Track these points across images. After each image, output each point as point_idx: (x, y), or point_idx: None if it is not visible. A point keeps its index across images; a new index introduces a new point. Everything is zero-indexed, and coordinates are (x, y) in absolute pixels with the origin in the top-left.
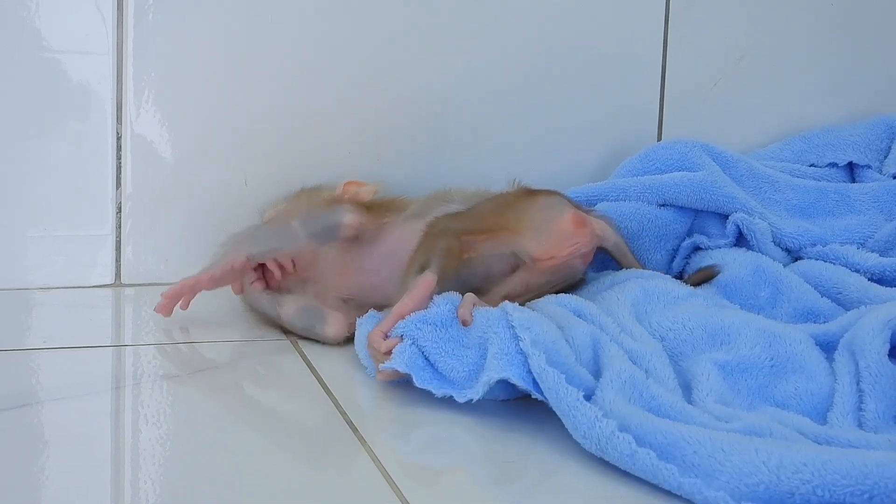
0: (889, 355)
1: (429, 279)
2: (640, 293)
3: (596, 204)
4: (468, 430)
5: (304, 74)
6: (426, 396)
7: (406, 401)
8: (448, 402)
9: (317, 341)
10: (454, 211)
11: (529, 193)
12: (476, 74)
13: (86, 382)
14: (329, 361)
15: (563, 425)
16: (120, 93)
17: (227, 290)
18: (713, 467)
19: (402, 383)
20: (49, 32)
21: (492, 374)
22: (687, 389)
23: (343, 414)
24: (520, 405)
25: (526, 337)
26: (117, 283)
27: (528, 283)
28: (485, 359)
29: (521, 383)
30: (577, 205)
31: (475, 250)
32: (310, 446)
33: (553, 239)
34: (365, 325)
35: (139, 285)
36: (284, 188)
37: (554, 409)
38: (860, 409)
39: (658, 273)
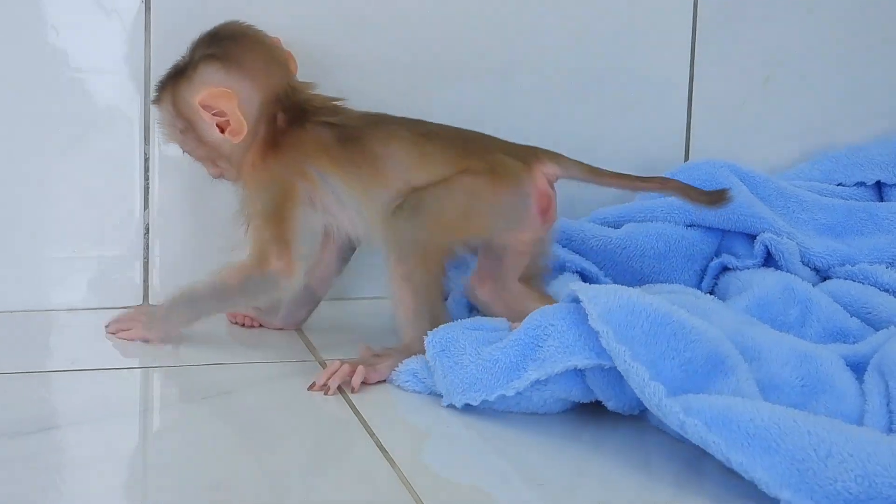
0: None
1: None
2: None
3: (622, 225)
4: (496, 446)
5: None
6: (454, 409)
7: (436, 416)
8: (476, 418)
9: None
10: (406, 208)
11: (494, 181)
12: (505, 93)
13: (114, 405)
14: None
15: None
16: (148, 114)
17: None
18: (768, 443)
19: (429, 399)
20: (77, 52)
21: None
22: None
23: (372, 435)
24: (553, 421)
25: (594, 312)
26: (145, 304)
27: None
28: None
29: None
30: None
31: (451, 256)
32: (338, 470)
33: (524, 230)
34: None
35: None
36: None
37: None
38: (891, 431)
39: (687, 287)
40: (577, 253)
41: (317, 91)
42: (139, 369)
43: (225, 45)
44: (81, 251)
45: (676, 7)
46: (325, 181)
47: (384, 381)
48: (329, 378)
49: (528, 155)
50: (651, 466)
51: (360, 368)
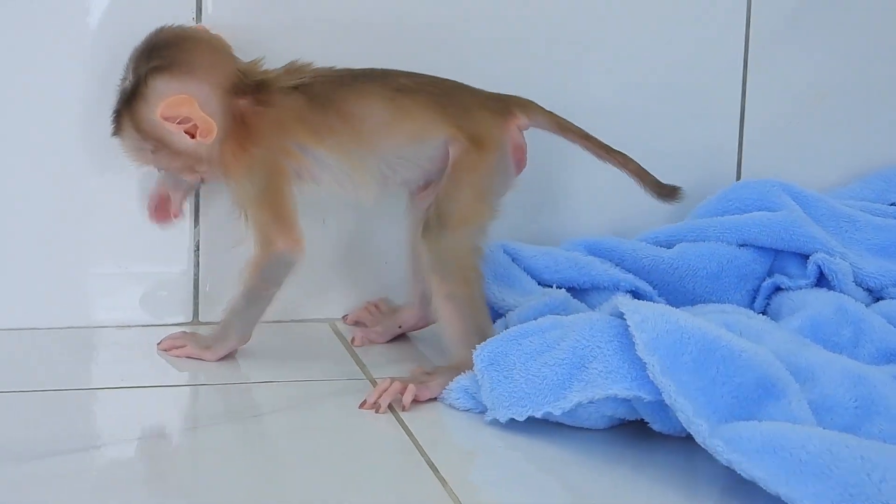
0: None
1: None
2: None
3: (674, 245)
4: (544, 465)
5: None
6: (503, 426)
7: (487, 433)
8: (524, 435)
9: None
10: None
11: (484, 156)
12: (555, 110)
13: (160, 423)
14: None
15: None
16: None
17: (311, 326)
18: (820, 469)
19: (480, 416)
20: None
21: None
22: None
23: (423, 454)
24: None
25: (641, 340)
26: (195, 321)
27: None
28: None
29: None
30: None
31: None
32: (388, 488)
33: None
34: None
35: (217, 323)
36: (360, 228)
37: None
38: None
39: (739, 308)
40: (631, 273)
41: (264, 66)
42: (187, 387)
43: (165, 53)
44: (131, 268)
45: (729, 25)
46: (306, 153)
47: (435, 399)
48: (380, 396)
49: (502, 108)
50: (697, 489)
51: (411, 387)
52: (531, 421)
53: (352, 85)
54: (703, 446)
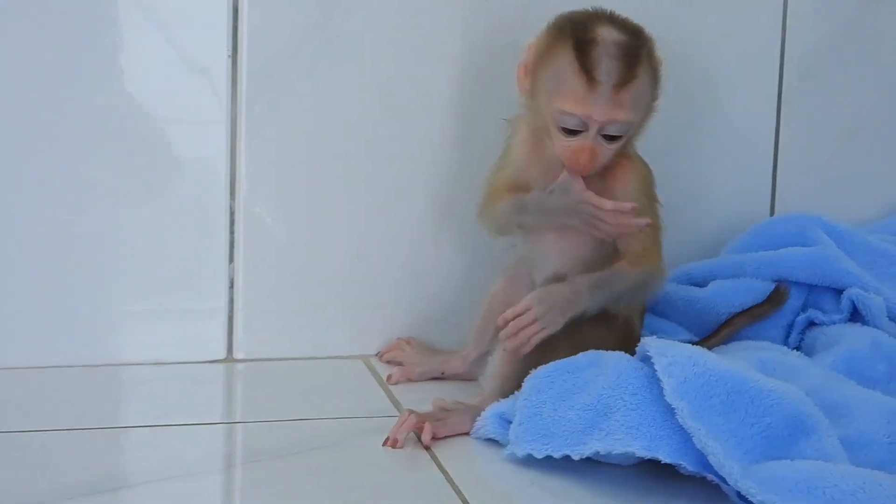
0: None
1: None
2: (756, 364)
3: (708, 282)
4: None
5: (417, 149)
6: (535, 465)
7: (519, 471)
8: (555, 474)
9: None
10: None
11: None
12: None
13: (195, 461)
14: (446, 440)
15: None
16: (234, 167)
17: (346, 363)
18: None
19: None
20: (163, 104)
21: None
22: None
23: (459, 493)
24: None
25: (669, 386)
26: (229, 358)
27: None
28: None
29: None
30: None
31: None
32: None
33: None
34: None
35: (251, 360)
36: (396, 263)
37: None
38: None
39: (773, 344)
40: (664, 317)
41: None
42: (221, 424)
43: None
44: (166, 304)
45: (763, 59)
46: None
47: (466, 433)
48: (397, 432)
49: None
50: None
51: (428, 425)
52: (565, 457)
53: None
54: (735, 488)
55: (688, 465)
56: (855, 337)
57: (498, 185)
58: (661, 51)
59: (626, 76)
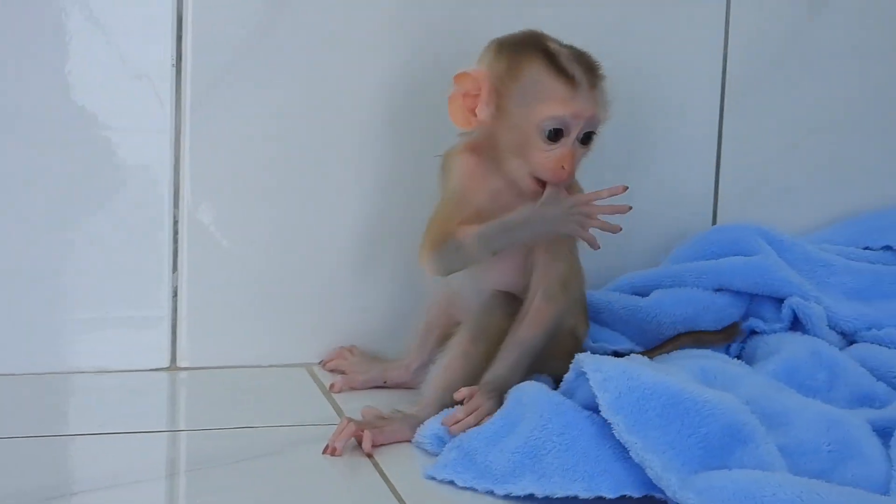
0: None
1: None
2: (697, 372)
3: (650, 291)
4: None
5: (359, 155)
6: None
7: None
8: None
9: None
10: None
11: None
12: None
13: (138, 469)
14: (387, 447)
15: None
16: (177, 176)
17: (288, 371)
18: None
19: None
20: (106, 113)
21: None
22: None
23: (401, 501)
24: None
25: (605, 401)
26: (173, 366)
27: None
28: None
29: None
30: None
31: None
32: None
33: None
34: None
35: (195, 369)
36: (339, 273)
37: None
38: None
39: (715, 352)
40: (606, 326)
41: None
42: (165, 433)
43: None
44: (109, 312)
45: (705, 71)
46: None
47: (406, 441)
48: (336, 439)
49: None
50: None
51: (367, 433)
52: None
53: None
54: (674, 500)
55: (633, 494)
56: (795, 346)
57: (448, 220)
58: (606, 63)
59: (596, 76)
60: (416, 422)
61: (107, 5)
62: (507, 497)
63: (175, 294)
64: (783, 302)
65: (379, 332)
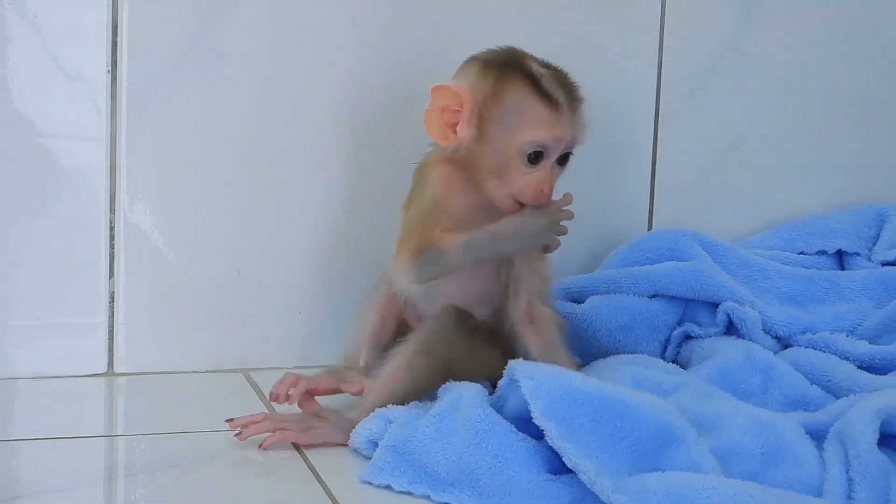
0: (878, 444)
1: None
2: (631, 378)
3: (585, 297)
4: None
5: (297, 164)
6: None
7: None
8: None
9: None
10: None
11: None
12: None
13: (76, 474)
14: (323, 452)
15: None
16: (113, 182)
17: (226, 376)
18: None
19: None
20: (41, 118)
21: None
22: None
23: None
24: None
25: (537, 408)
26: (110, 372)
27: None
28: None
29: None
30: None
31: None
32: None
33: None
34: None
35: (132, 374)
36: (276, 278)
37: None
38: (850, 498)
39: (649, 358)
40: None
41: None
42: (103, 437)
43: None
44: (45, 318)
45: (640, 75)
46: None
47: (341, 444)
48: (247, 425)
49: None
50: None
51: (278, 434)
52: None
53: None
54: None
55: None
56: (729, 350)
57: (427, 228)
58: None
59: (577, 97)
60: (350, 425)
61: (43, 11)
62: None
63: (112, 300)
64: (718, 307)
65: (314, 337)
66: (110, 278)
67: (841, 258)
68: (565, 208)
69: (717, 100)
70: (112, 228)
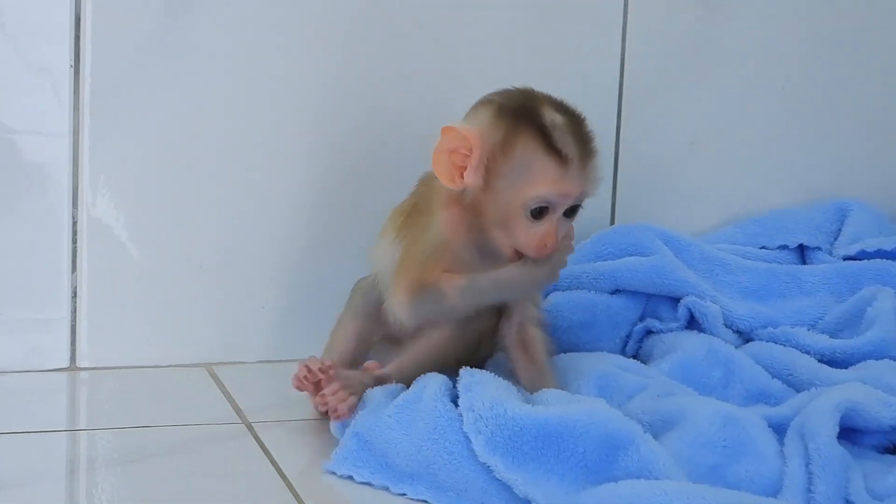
0: (838, 437)
1: None
2: (594, 376)
3: (548, 295)
4: None
5: (261, 159)
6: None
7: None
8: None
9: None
10: None
11: None
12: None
13: (39, 468)
14: (286, 447)
15: None
16: (76, 177)
17: (188, 371)
18: None
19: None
20: (4, 112)
21: None
22: None
23: (299, 500)
24: None
25: (479, 444)
26: (72, 366)
27: None
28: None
29: None
30: None
31: None
32: None
33: None
34: None
35: (94, 369)
36: (239, 273)
37: None
38: (810, 492)
39: (610, 354)
40: None
41: None
42: (64, 432)
43: None
44: (7, 313)
45: (603, 72)
46: None
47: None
48: (325, 400)
49: None
50: None
51: (353, 399)
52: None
53: None
54: None
55: None
56: (691, 344)
57: (429, 267)
58: (504, 71)
59: (590, 150)
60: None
61: (6, 5)
62: (402, 496)
63: (75, 294)
64: (680, 301)
65: (277, 331)
66: (73, 273)
67: (803, 253)
68: (566, 243)
69: (680, 95)
70: (75, 223)
